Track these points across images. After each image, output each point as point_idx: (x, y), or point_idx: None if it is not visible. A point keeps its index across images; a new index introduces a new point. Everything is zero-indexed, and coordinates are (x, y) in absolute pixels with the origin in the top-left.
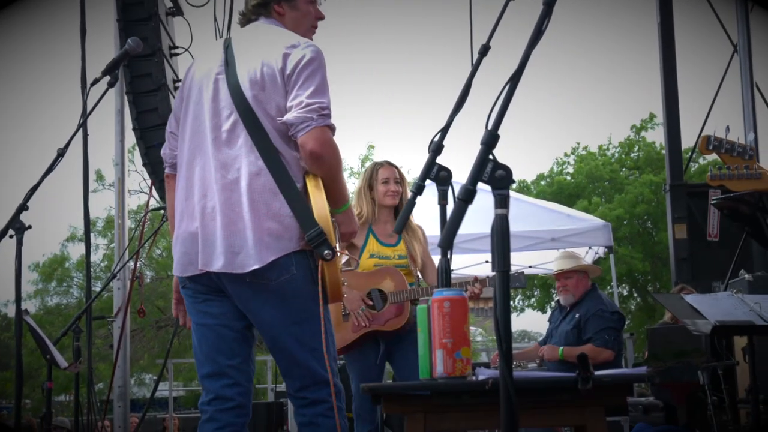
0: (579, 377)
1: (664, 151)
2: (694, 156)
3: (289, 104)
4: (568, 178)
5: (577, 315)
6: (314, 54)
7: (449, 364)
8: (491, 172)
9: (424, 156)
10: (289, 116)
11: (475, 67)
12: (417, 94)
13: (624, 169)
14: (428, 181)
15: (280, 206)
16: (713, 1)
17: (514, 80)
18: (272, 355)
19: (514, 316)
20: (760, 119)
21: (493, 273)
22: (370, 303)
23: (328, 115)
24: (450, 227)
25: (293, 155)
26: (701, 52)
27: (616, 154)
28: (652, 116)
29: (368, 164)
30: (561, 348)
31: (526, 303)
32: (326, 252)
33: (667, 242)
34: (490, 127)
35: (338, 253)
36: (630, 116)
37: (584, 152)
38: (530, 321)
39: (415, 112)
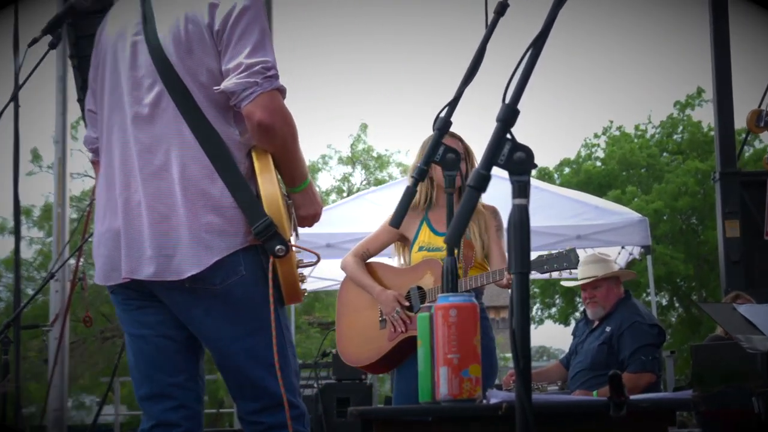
0: (611, 402)
1: (713, 133)
2: (749, 138)
3: (225, 68)
4: (598, 164)
5: (608, 328)
6: (247, 1)
7: (455, 385)
8: (509, 155)
9: (427, 135)
10: (227, 83)
11: (491, 29)
12: (419, 63)
13: (665, 153)
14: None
15: (220, 195)
16: None
17: (538, 45)
18: (221, 373)
19: (531, 328)
20: None
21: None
22: (407, 304)
23: (275, 76)
24: (459, 220)
25: (232, 131)
26: (759, 16)
27: (656, 136)
28: (700, 91)
29: (426, 138)
30: (595, 392)
31: (546, 314)
32: (278, 247)
33: (716, 242)
34: (508, 100)
35: (292, 248)
36: (674, 91)
37: (618, 133)
38: (550, 335)
39: (417, 85)
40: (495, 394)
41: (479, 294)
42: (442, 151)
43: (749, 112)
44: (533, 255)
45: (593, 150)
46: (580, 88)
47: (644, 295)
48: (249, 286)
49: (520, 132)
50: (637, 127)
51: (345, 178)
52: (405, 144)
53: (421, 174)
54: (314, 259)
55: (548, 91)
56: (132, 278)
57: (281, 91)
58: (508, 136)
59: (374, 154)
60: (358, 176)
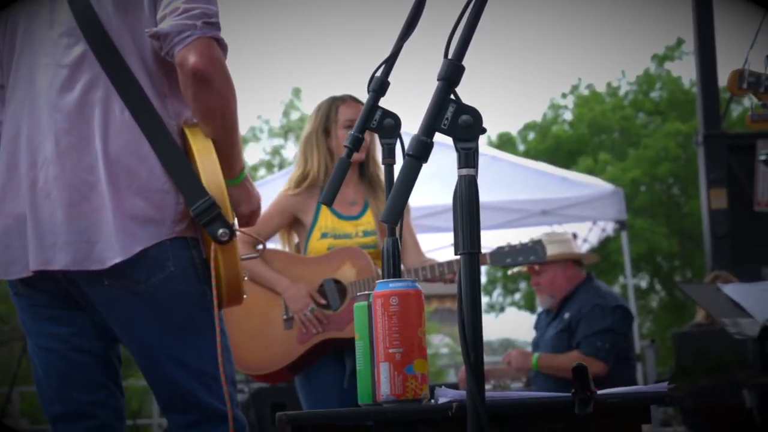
0: (575, 398)
1: (695, 89)
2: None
3: (160, 14)
4: (566, 128)
5: (567, 315)
6: None
7: (398, 383)
8: (452, 118)
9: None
10: (161, 26)
11: None
12: (355, 17)
13: (641, 114)
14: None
15: (148, 175)
16: None
17: None
18: (147, 381)
19: (491, 317)
20: None
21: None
22: (323, 301)
23: (216, 25)
24: (397, 194)
25: (169, 101)
26: None
27: (631, 95)
28: (680, 42)
29: (322, 102)
30: (536, 355)
31: (509, 300)
32: (221, 231)
33: (700, 214)
34: (450, 55)
35: (237, 233)
36: (650, 43)
37: (587, 92)
38: (515, 325)
39: (353, 43)
40: (444, 393)
41: None
42: (379, 115)
43: (731, 74)
44: (493, 246)
45: (560, 112)
46: (544, 41)
47: (620, 278)
48: (178, 284)
49: (476, 93)
50: (609, 85)
51: (275, 151)
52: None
53: (355, 143)
54: (256, 254)
55: (507, 45)
56: (43, 270)
57: (221, 45)
58: (452, 96)
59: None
60: (291, 149)
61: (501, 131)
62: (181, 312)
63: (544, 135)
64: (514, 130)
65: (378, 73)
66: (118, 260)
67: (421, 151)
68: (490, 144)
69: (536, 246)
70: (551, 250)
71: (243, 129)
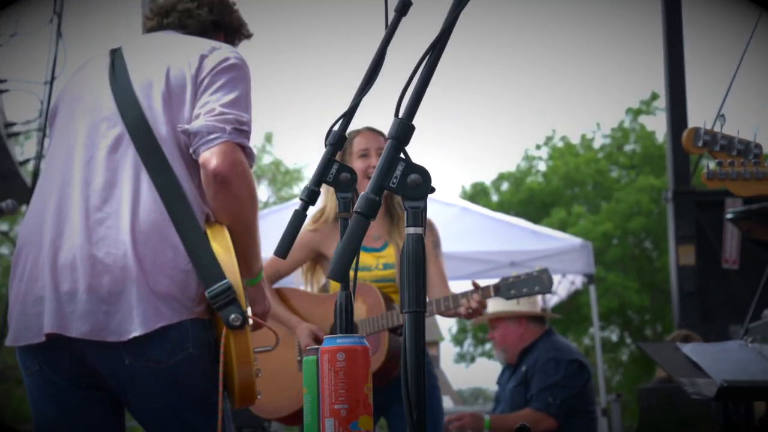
0: None
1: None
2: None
3: (196, 111)
4: (540, 179)
5: (524, 368)
6: (240, 61)
7: None
8: (401, 177)
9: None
10: (193, 124)
11: (391, 30)
12: (327, 66)
13: (615, 168)
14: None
15: (173, 254)
16: None
17: (436, 50)
18: None
19: (462, 367)
20: None
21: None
22: None
23: (247, 134)
24: (344, 251)
25: (197, 191)
26: (718, 13)
27: (605, 148)
28: (654, 96)
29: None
30: (487, 418)
31: (480, 350)
32: (233, 315)
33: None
34: (401, 114)
35: (249, 321)
36: (626, 96)
37: (562, 144)
38: (486, 374)
39: (327, 90)
40: None
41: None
42: (336, 169)
43: (686, 132)
44: (497, 278)
45: (534, 163)
46: (521, 91)
47: (590, 330)
48: (196, 365)
49: (454, 141)
50: (583, 137)
51: None
52: (317, 157)
53: (311, 196)
54: (269, 346)
55: (483, 95)
56: (58, 334)
57: (248, 153)
58: (402, 155)
59: (282, 169)
60: (264, 192)
61: (475, 181)
62: (197, 391)
63: (517, 186)
64: (488, 181)
65: (335, 127)
66: (137, 333)
67: (369, 209)
68: (464, 194)
69: (541, 275)
70: (502, 307)
71: None
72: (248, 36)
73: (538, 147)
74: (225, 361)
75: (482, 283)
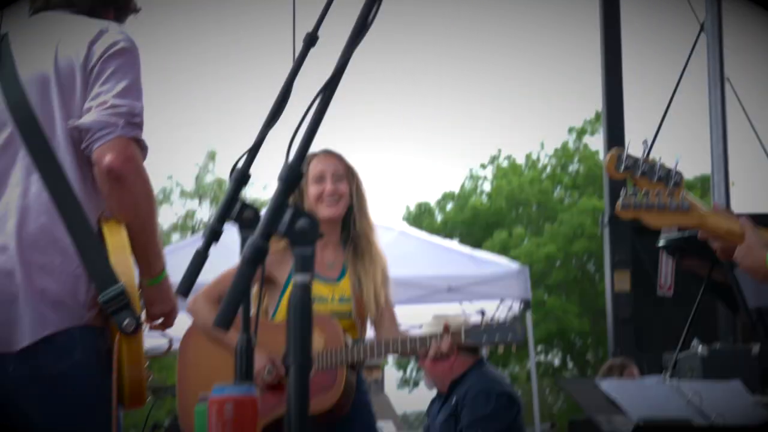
0: None
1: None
2: None
3: (87, 104)
4: (485, 199)
5: (454, 399)
6: (129, 44)
7: None
8: (289, 222)
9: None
10: (84, 119)
11: (298, 63)
12: (273, 81)
13: (559, 188)
14: None
15: (63, 257)
16: None
17: (328, 91)
18: None
19: (405, 392)
20: (732, 120)
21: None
22: (284, 372)
23: (140, 126)
24: (230, 299)
25: (91, 189)
26: (657, 31)
27: (549, 168)
28: (598, 116)
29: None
30: None
31: (422, 375)
32: (127, 321)
33: None
34: (291, 159)
35: (143, 326)
36: (570, 115)
37: (506, 163)
38: (429, 398)
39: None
40: None
41: (360, 366)
42: (239, 207)
43: (608, 156)
44: (468, 324)
45: (479, 183)
46: (466, 110)
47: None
48: (82, 375)
49: (398, 161)
50: (528, 157)
51: (189, 215)
52: (262, 175)
53: (213, 235)
54: (162, 347)
55: (429, 114)
56: None
57: (141, 145)
58: (290, 201)
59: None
60: (206, 211)
61: (420, 201)
62: (84, 400)
63: (462, 206)
64: (432, 201)
65: (239, 164)
66: (25, 344)
67: (255, 256)
68: (408, 214)
69: (514, 325)
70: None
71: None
72: (136, 10)
73: (483, 166)
74: (118, 363)
75: (419, 308)
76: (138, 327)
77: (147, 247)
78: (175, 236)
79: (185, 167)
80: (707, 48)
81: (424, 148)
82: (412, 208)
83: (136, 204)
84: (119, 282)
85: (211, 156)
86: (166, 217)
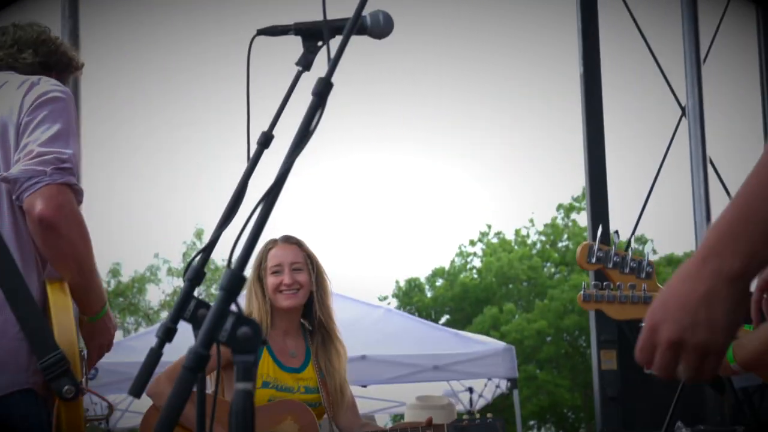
0: None
1: None
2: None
3: (16, 156)
4: (474, 275)
5: None
6: (62, 93)
7: None
8: (231, 330)
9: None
10: (12, 171)
11: (253, 163)
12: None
13: (548, 264)
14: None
15: (3, 322)
16: (652, 45)
17: (270, 198)
18: None
19: None
20: (715, 202)
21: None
22: None
23: (70, 171)
24: (170, 407)
25: (30, 248)
26: (640, 115)
27: (539, 244)
28: (585, 192)
29: (261, 247)
30: None
31: None
32: (66, 388)
33: None
34: (233, 265)
35: (84, 391)
36: (558, 192)
37: (496, 239)
38: None
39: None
40: None
41: None
42: (193, 305)
43: (580, 248)
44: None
45: (469, 259)
46: (456, 186)
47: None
48: None
49: (388, 236)
50: (518, 233)
51: (177, 292)
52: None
53: (168, 334)
54: (105, 412)
55: (419, 190)
56: None
57: (74, 190)
58: (233, 307)
59: (212, 266)
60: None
61: (410, 276)
62: None
63: (452, 282)
64: (422, 276)
65: (194, 262)
66: None
67: (196, 363)
68: (398, 290)
69: (495, 424)
70: (415, 417)
71: (140, 267)
72: (79, 67)
73: (472, 243)
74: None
75: (404, 387)
76: (78, 393)
77: (87, 289)
78: (164, 313)
79: (172, 244)
80: (689, 130)
81: (415, 224)
82: (402, 283)
83: (72, 248)
84: (58, 349)
85: (198, 234)
86: (153, 295)
